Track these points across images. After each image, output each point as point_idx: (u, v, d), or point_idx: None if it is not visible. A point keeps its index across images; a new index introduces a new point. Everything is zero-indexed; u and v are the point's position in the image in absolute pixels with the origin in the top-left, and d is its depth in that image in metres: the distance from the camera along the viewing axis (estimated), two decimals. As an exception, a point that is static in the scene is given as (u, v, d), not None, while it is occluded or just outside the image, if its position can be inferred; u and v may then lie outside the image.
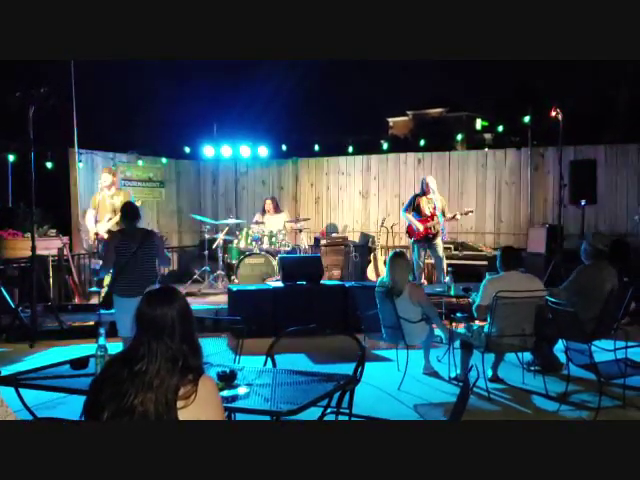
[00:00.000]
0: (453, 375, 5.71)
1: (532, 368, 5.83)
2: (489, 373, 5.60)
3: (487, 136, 45.14)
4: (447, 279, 6.57)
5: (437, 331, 5.84)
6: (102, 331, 3.35)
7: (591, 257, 5.74)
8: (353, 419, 3.25)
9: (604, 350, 5.09)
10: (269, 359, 3.92)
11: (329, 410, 3.32)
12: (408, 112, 47.92)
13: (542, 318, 5.27)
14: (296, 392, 2.91)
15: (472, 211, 9.50)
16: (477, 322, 5.86)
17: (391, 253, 5.81)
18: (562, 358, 5.57)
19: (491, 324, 5.27)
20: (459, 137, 25.23)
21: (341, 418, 3.36)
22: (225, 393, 2.87)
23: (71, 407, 4.43)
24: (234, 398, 2.83)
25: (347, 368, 3.75)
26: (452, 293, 6.29)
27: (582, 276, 5.65)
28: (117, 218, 8.41)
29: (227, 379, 2.96)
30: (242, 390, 2.94)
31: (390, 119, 50.53)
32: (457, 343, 5.71)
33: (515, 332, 5.23)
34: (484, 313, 5.38)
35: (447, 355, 5.90)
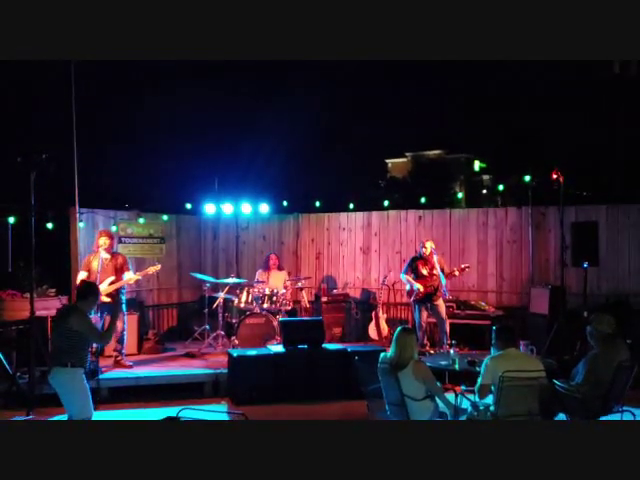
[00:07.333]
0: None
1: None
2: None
3: (485, 177, 45.41)
4: (451, 352, 6.47)
5: (442, 406, 5.72)
6: None
7: (600, 341, 5.68)
8: None
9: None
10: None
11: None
12: (407, 154, 48.15)
13: (546, 397, 5.23)
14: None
15: (469, 267, 9.50)
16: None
17: (399, 328, 5.71)
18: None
19: (496, 404, 5.20)
20: (459, 193, 25.94)
21: None
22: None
23: None
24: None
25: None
26: (457, 367, 6.19)
27: (597, 366, 5.57)
28: (112, 279, 8.39)
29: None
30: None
31: (388, 160, 50.71)
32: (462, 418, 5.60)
33: (521, 412, 5.15)
34: (486, 393, 5.37)
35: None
